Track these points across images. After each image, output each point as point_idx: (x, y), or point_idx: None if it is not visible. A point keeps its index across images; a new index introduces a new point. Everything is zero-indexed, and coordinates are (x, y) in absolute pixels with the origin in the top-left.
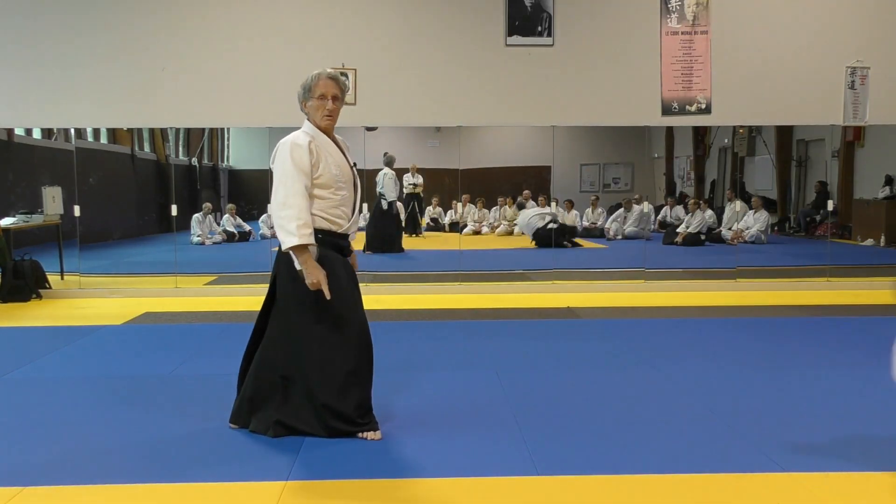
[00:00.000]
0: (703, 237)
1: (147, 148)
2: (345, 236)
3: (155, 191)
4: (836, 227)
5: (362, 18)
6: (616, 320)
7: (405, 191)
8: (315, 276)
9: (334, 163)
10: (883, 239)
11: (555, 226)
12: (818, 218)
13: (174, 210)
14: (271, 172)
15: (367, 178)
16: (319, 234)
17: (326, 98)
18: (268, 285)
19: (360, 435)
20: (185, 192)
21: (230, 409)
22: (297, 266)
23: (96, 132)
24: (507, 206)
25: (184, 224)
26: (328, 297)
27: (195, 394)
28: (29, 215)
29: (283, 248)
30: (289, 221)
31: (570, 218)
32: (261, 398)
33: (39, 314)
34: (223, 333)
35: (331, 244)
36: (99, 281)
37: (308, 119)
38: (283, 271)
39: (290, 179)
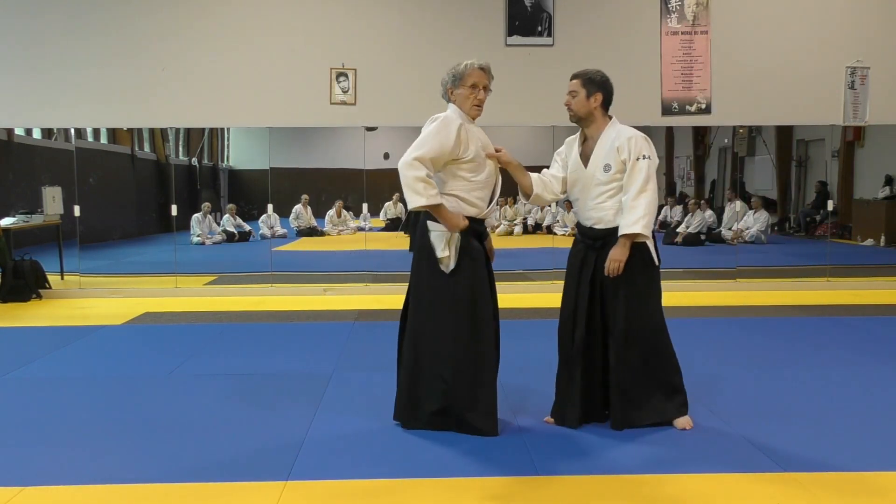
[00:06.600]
0: (703, 237)
1: (147, 148)
2: (481, 221)
3: (155, 191)
4: (836, 227)
5: (362, 18)
6: None
7: None
8: (457, 224)
9: (482, 146)
10: (883, 239)
11: None
12: (818, 218)
13: (174, 210)
14: (271, 172)
15: (366, 179)
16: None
17: (478, 88)
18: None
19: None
20: (185, 192)
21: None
22: (439, 253)
23: (96, 132)
24: (507, 206)
25: (184, 224)
26: (464, 225)
27: (195, 394)
28: (29, 215)
29: (410, 206)
30: (415, 182)
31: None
32: (414, 393)
33: (39, 314)
34: (223, 333)
35: (470, 229)
36: (99, 281)
37: (455, 105)
38: (417, 267)
39: (427, 145)
